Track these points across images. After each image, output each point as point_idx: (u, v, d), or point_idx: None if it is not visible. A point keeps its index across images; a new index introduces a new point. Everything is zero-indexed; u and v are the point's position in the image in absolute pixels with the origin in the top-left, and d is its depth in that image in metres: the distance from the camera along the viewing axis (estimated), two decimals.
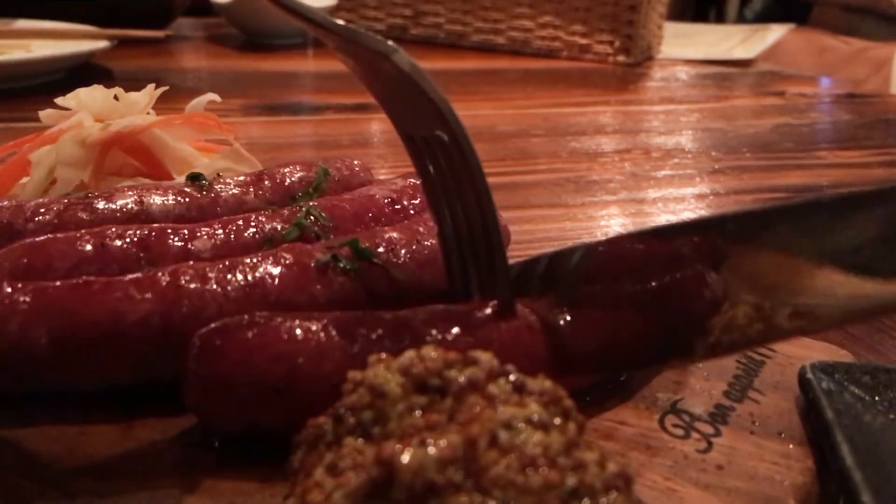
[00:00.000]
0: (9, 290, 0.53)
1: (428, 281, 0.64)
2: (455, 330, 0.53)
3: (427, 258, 0.65)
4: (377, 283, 0.61)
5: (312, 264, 0.59)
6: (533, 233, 1.03)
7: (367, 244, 0.62)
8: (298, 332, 0.50)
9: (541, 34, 2.41)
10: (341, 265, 0.60)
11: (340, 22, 0.53)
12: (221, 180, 0.71)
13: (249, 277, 0.57)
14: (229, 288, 0.56)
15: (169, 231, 0.62)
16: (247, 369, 0.49)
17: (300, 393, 0.49)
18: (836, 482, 0.51)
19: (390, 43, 0.51)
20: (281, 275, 0.58)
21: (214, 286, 0.56)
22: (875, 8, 3.52)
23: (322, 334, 0.51)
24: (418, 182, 0.76)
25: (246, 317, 0.51)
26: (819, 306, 0.52)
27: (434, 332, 0.53)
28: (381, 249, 0.63)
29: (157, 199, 0.67)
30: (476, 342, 0.52)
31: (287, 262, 0.59)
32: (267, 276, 0.57)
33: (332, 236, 0.65)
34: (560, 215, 1.11)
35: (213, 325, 0.51)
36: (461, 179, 0.55)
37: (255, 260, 0.58)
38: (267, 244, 0.63)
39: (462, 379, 0.42)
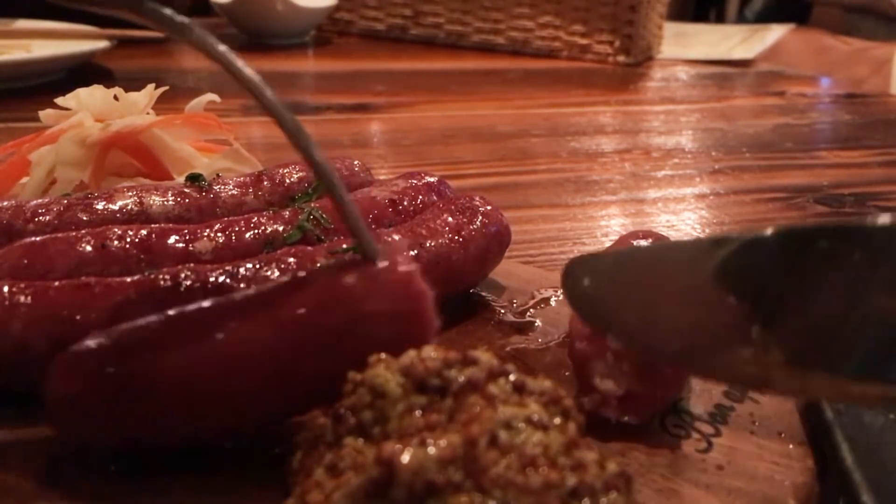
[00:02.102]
0: (9, 291, 0.53)
1: (430, 285, 0.64)
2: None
3: (429, 262, 0.65)
4: None
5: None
6: (533, 233, 1.03)
7: None
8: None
9: (541, 34, 2.41)
10: None
11: None
12: (221, 181, 0.71)
13: (252, 283, 0.57)
14: (231, 293, 0.56)
15: (170, 232, 0.62)
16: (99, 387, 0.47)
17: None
18: (836, 482, 0.51)
19: (185, 20, 0.45)
20: (282, 280, 0.57)
21: (215, 291, 0.56)
22: (875, 8, 3.52)
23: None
24: (419, 183, 0.76)
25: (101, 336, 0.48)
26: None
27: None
28: None
29: (156, 200, 0.67)
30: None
31: (289, 267, 0.58)
32: (268, 282, 0.57)
33: (333, 238, 0.65)
34: (560, 215, 1.11)
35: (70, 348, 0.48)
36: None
37: (257, 264, 0.58)
38: (268, 247, 0.63)
39: (462, 379, 0.42)
